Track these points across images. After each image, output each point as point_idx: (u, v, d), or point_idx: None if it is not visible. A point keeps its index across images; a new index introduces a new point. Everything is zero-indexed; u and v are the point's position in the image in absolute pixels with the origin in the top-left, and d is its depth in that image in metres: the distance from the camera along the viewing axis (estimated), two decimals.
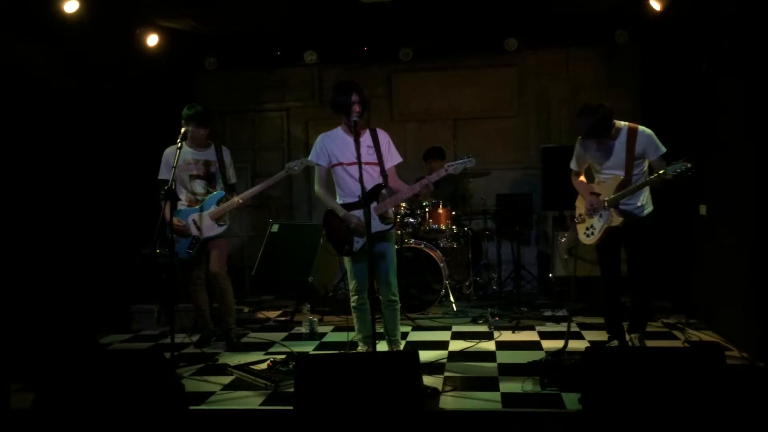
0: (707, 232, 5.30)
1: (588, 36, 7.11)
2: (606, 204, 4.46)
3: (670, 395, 3.02)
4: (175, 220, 4.87)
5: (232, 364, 4.54)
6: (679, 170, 4.10)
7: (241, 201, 4.93)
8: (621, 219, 4.42)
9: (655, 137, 4.41)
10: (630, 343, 4.62)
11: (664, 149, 4.39)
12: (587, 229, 4.62)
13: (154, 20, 6.52)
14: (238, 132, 8.06)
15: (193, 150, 5.03)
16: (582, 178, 4.77)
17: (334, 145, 4.38)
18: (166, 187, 4.58)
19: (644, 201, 4.53)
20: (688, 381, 3.04)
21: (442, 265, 6.16)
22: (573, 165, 4.73)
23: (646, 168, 4.47)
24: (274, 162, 7.90)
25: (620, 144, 4.41)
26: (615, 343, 4.70)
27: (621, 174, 4.42)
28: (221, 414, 3.77)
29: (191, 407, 3.72)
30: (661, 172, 4.19)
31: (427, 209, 6.37)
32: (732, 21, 4.73)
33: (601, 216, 4.51)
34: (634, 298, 4.71)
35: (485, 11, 6.52)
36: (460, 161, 4.17)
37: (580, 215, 4.70)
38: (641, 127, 4.42)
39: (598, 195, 4.55)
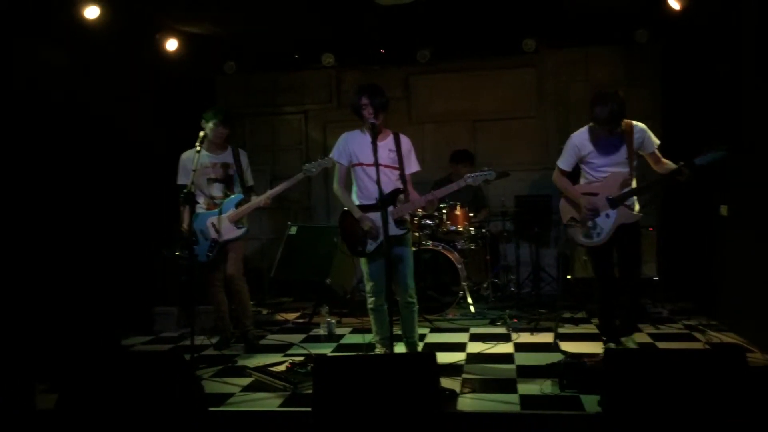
0: (729, 233, 5.24)
1: (607, 35, 7.05)
2: (613, 202, 4.39)
3: (691, 397, 2.99)
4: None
5: (251, 366, 4.57)
6: (713, 159, 4.02)
7: (268, 201, 4.97)
8: (639, 216, 4.37)
9: (648, 130, 4.39)
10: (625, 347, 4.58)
11: (658, 141, 4.39)
12: (589, 231, 4.50)
13: (174, 25, 6.59)
14: (257, 134, 8.11)
15: (210, 153, 5.06)
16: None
17: (355, 144, 4.43)
18: (185, 191, 4.61)
19: (633, 199, 4.49)
20: (709, 383, 3.01)
21: (460, 266, 6.15)
22: (563, 164, 4.60)
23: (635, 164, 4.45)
24: (293, 164, 7.92)
25: (617, 140, 4.38)
26: (611, 345, 4.65)
27: (624, 170, 4.38)
28: (240, 415, 3.80)
29: (211, 408, 3.75)
30: (683, 163, 4.14)
31: (444, 211, 6.36)
32: (755, 18, 4.67)
33: (607, 215, 4.43)
34: (628, 300, 4.62)
35: (503, 12, 6.50)
36: (480, 173, 4.21)
37: (573, 219, 4.59)
38: (634, 122, 4.39)
39: (596, 195, 4.46)
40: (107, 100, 5.84)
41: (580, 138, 4.52)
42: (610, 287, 4.60)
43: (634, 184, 4.45)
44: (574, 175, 4.67)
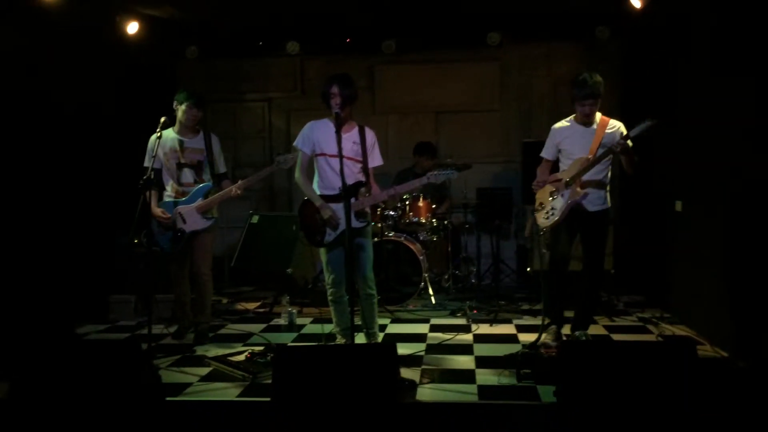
0: (682, 229, 5.38)
1: (570, 31, 7.14)
2: (567, 182, 4.53)
3: (643, 388, 3.07)
4: (159, 211, 4.81)
5: (209, 356, 4.54)
6: (641, 130, 4.16)
7: (239, 192, 4.77)
8: (584, 191, 4.49)
9: (624, 128, 4.54)
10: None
11: (631, 143, 4.49)
12: (547, 212, 4.66)
13: (135, 7, 6.44)
14: (219, 122, 7.98)
15: (180, 137, 4.91)
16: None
17: (320, 134, 4.41)
18: (144, 177, 4.48)
19: (605, 195, 4.64)
20: (660, 374, 3.10)
21: (421, 257, 6.18)
22: (544, 152, 4.81)
23: (609, 164, 4.60)
24: (256, 152, 7.87)
25: (592, 129, 4.57)
26: (554, 328, 4.78)
27: (585, 156, 4.51)
28: (198, 405, 3.76)
29: (168, 398, 3.71)
30: (624, 134, 4.28)
31: (407, 202, 6.39)
32: (708, 20, 4.79)
33: (562, 195, 4.57)
34: (588, 294, 4.73)
35: (468, 5, 6.53)
36: (443, 173, 4.23)
37: (541, 204, 4.75)
38: (612, 119, 4.60)
39: (560, 180, 4.62)
40: (65, 84, 5.69)
41: (559, 126, 4.73)
42: (563, 272, 4.71)
43: (600, 176, 4.57)
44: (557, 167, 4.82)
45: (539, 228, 4.79)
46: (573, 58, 7.42)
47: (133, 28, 6.50)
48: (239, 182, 4.82)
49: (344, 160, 4.08)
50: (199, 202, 4.86)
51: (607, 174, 4.63)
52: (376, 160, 4.50)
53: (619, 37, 7.05)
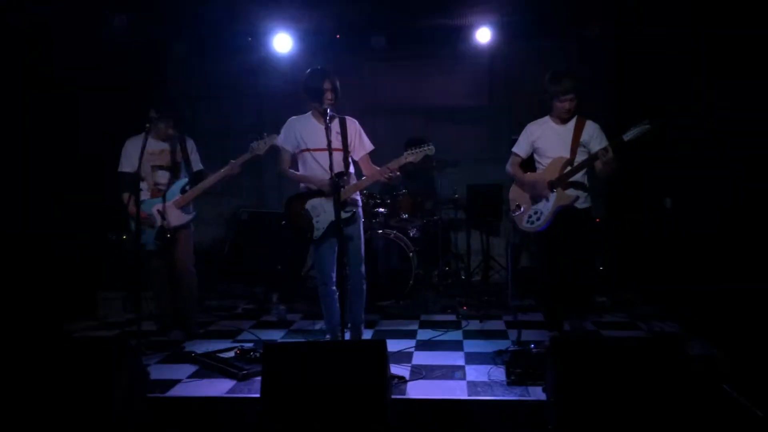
0: (672, 224, 5.40)
1: (561, 29, 7.15)
2: (551, 184, 4.48)
3: (632, 384, 3.09)
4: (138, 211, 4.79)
5: (198, 352, 4.52)
6: (638, 133, 4.11)
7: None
8: (574, 196, 4.45)
9: (601, 130, 4.51)
10: None
11: (606, 143, 4.46)
12: (530, 216, 4.59)
13: (123, 2, 6.38)
14: (208, 118, 7.95)
15: (155, 140, 4.91)
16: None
17: (303, 130, 4.41)
18: (131, 179, 4.46)
19: (585, 194, 4.57)
20: (649, 371, 3.11)
21: (411, 254, 6.18)
22: (517, 148, 4.72)
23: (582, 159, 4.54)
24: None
25: (568, 129, 4.52)
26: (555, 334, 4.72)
27: (565, 155, 4.47)
28: (187, 402, 3.75)
29: (156, 395, 3.70)
30: (613, 141, 4.23)
31: (398, 198, 6.39)
32: (703, 18, 4.82)
33: (547, 199, 4.51)
34: (573, 291, 4.69)
35: (458, 1, 6.52)
36: (420, 149, 4.19)
37: (518, 206, 4.69)
38: (589, 120, 4.54)
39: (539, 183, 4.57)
40: (51, 80, 5.64)
41: (536, 123, 4.67)
42: (554, 275, 4.66)
43: (579, 177, 4.53)
44: (530, 167, 4.74)
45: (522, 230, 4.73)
46: (563, 55, 7.40)
47: (121, 22, 6.43)
48: (218, 171, 4.83)
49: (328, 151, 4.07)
50: (177, 197, 4.87)
51: (584, 174, 4.56)
52: (366, 146, 4.49)
53: (610, 36, 7.05)
